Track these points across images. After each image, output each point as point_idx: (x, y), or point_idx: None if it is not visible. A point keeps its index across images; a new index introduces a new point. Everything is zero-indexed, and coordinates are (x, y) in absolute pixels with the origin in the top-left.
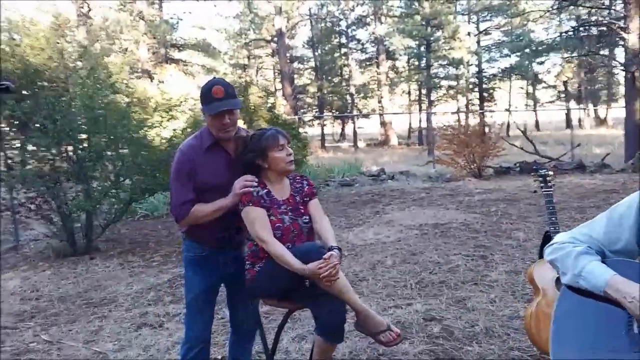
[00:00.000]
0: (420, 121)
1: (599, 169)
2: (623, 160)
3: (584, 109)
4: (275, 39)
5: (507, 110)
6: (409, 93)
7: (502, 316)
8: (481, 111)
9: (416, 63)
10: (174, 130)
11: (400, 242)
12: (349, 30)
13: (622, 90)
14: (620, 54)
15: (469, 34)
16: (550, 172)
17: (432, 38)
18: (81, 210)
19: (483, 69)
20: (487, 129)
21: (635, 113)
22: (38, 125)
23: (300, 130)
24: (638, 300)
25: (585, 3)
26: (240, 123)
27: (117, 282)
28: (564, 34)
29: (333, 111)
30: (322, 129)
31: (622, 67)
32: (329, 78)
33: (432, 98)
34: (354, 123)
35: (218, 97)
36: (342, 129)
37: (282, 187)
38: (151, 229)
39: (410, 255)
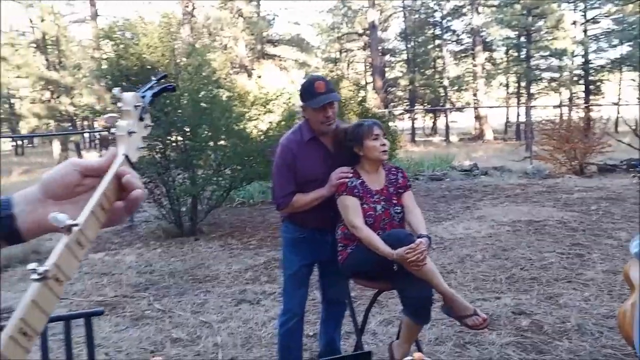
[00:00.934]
0: (518, 115)
1: None
2: None
3: None
4: (368, 32)
5: (616, 104)
6: (506, 85)
7: (596, 314)
8: (586, 105)
9: (515, 54)
10: (270, 123)
11: (491, 238)
12: (444, 22)
13: None
14: None
15: (574, 22)
16: None
17: (533, 28)
18: (187, 195)
19: (589, 60)
20: (591, 124)
21: None
22: (152, 117)
23: (390, 124)
24: None
25: None
26: None
27: (219, 261)
28: None
29: (425, 104)
30: (413, 123)
31: None
32: (422, 70)
33: (531, 91)
34: (446, 117)
35: (321, 92)
36: (434, 123)
37: (377, 177)
38: (247, 215)
39: (501, 251)
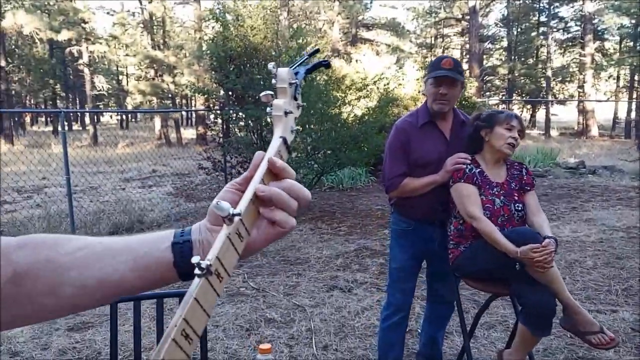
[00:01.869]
0: (629, 111)
1: None
2: None
3: None
4: (467, 17)
5: None
6: (617, 78)
7: None
8: None
9: (630, 44)
10: (367, 108)
11: (603, 244)
12: (551, 8)
13: None
14: None
15: None
16: None
17: None
18: None
19: None
20: None
21: None
22: (251, 98)
23: None
24: None
25: None
26: None
27: (310, 245)
28: None
29: (523, 95)
30: None
31: None
32: (522, 59)
33: None
34: (546, 109)
35: (445, 67)
36: (532, 115)
37: (498, 170)
38: (337, 200)
39: (614, 259)
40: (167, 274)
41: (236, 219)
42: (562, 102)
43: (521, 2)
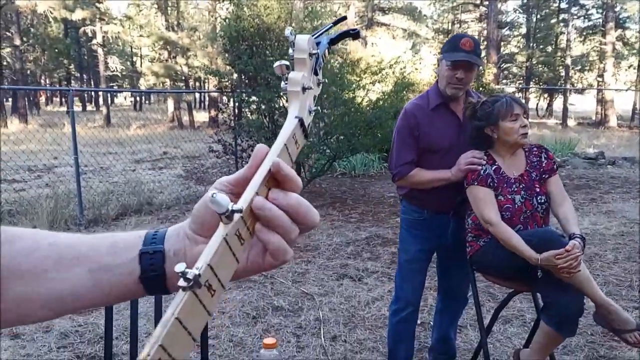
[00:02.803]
0: None
1: None
2: None
3: None
4: (486, 2)
5: None
6: (637, 67)
7: None
8: None
9: None
10: (382, 93)
11: (624, 237)
12: None
13: None
14: None
15: None
16: None
17: None
18: None
19: None
20: None
21: None
22: (263, 80)
23: None
24: None
25: None
26: None
27: (320, 231)
28: None
29: (541, 83)
30: (527, 102)
31: None
32: (541, 47)
33: None
34: (564, 98)
35: (464, 49)
36: (549, 104)
37: (515, 161)
38: (348, 186)
39: (636, 253)
40: (132, 288)
41: (236, 216)
42: (580, 91)
43: None
